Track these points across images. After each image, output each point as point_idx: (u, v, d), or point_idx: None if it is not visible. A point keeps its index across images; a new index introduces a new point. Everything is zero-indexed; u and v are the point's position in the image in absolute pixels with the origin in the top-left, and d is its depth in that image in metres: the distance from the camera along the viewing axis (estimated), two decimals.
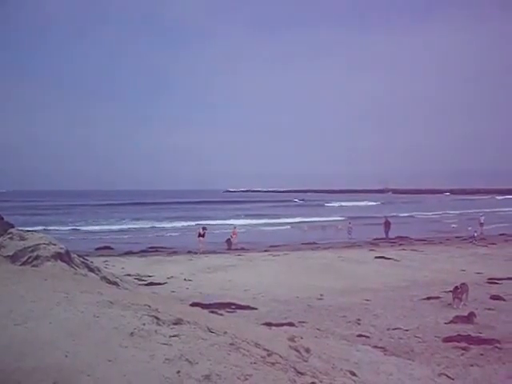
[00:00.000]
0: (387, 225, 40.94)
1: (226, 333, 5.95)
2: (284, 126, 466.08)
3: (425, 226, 52.24)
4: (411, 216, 67.78)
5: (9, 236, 10.73)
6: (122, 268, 21.23)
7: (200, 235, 33.83)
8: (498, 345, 9.54)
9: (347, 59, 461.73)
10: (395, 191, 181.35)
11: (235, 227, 38.47)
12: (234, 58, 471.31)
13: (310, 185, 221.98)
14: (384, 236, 39.67)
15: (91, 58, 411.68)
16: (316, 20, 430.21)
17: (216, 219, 58.44)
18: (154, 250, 32.55)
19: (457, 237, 39.31)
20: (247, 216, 67.02)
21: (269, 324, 10.45)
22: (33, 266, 9.53)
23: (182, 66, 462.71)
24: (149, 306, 6.36)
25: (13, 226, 14.54)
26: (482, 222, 43.76)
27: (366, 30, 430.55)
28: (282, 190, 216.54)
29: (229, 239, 35.36)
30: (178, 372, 4.64)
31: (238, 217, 64.07)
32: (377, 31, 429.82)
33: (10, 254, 9.91)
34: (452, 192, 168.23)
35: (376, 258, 24.88)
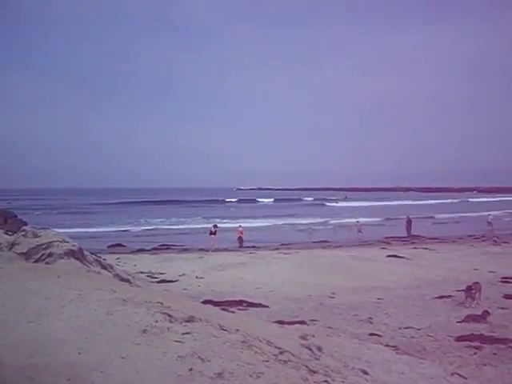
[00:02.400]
0: (409, 223, 41.95)
1: (238, 330, 5.96)
2: (294, 125, 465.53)
3: None
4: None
5: (22, 233, 10.80)
6: (134, 265, 21.34)
7: (211, 233, 33.94)
8: None
9: (355, 59, 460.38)
10: (419, 189, 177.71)
11: (240, 225, 38.45)
12: (243, 56, 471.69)
13: (321, 183, 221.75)
14: (406, 234, 40.34)
15: (98, 54, 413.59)
16: (325, 20, 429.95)
17: (227, 218, 58.16)
18: (165, 248, 32.70)
19: (470, 235, 39.07)
20: (263, 216, 65.45)
21: (280, 322, 10.47)
22: (46, 263, 9.59)
23: (192, 63, 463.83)
24: (161, 304, 6.38)
25: (26, 224, 14.66)
26: (490, 221, 43.96)
27: (370, 31, 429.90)
28: (293, 187, 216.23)
29: (240, 237, 35.49)
30: (191, 369, 4.65)
31: (251, 217, 62.45)
32: (381, 32, 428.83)
33: (24, 251, 9.97)
34: (479, 190, 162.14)
35: (388, 256, 24.77)
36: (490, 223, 43.46)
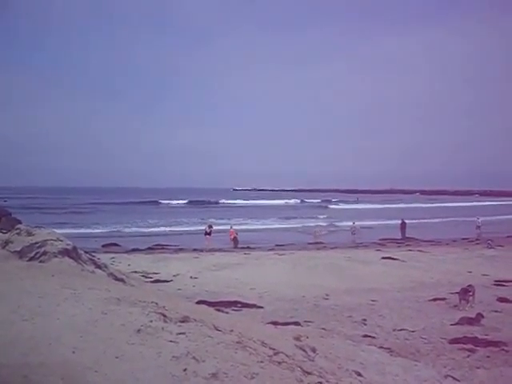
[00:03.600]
0: (403, 226, 42.39)
1: (232, 331, 5.95)
2: (290, 126, 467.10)
3: None
4: None
5: (16, 232, 10.72)
6: (129, 265, 21.30)
7: (207, 233, 33.95)
8: (505, 347, 9.52)
9: (352, 61, 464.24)
10: (424, 192, 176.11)
11: (231, 227, 38.13)
12: (241, 58, 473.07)
13: (316, 184, 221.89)
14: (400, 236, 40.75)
15: (97, 55, 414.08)
16: (324, 21, 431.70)
17: (222, 219, 57.54)
18: (160, 248, 32.64)
19: (464, 238, 39.21)
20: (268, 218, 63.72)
21: (275, 323, 10.45)
22: (40, 261, 9.52)
23: (189, 65, 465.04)
24: (156, 304, 6.37)
25: (20, 222, 14.57)
26: (479, 225, 44.27)
27: (370, 32, 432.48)
28: (288, 189, 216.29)
29: (235, 238, 35.44)
30: (185, 370, 4.64)
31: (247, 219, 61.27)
32: (379, 33, 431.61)
33: (18, 249, 9.90)
34: (481, 194, 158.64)
35: (382, 258, 24.81)
36: (478, 227, 43.94)
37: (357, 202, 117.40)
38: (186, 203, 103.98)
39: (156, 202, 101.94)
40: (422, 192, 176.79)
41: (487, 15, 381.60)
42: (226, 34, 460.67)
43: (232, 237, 35.81)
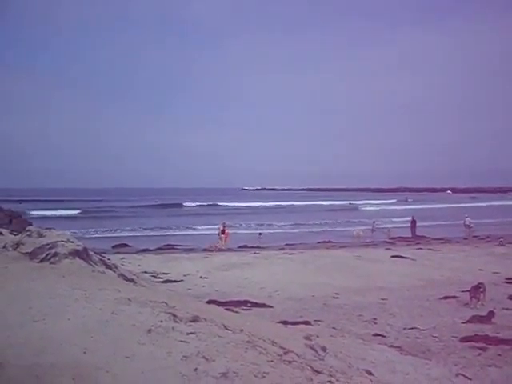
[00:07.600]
0: (413, 224, 42.08)
1: (242, 330, 5.96)
2: (297, 125, 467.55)
3: None
4: None
5: (27, 233, 10.80)
6: (139, 265, 21.36)
7: (222, 231, 33.96)
8: None
9: (355, 61, 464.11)
10: (455, 190, 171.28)
11: (225, 226, 35.89)
12: (248, 58, 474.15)
13: (323, 183, 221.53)
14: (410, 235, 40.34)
15: (104, 56, 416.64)
16: (324, 23, 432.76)
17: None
18: (170, 248, 32.68)
19: (474, 236, 39.00)
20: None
21: (285, 322, 10.47)
22: (51, 263, 9.59)
23: (197, 65, 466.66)
24: (166, 304, 6.39)
25: (31, 224, 14.69)
26: (468, 223, 43.81)
27: (369, 33, 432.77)
28: (296, 188, 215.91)
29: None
30: (195, 369, 4.66)
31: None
32: (381, 34, 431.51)
33: (29, 251, 9.97)
34: None
35: (392, 257, 24.74)
36: (467, 226, 43.51)
37: (407, 202, 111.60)
38: (197, 206, 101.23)
39: (165, 205, 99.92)
40: (454, 190, 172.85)
41: (486, 14, 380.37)
42: (237, 34, 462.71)
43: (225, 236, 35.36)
